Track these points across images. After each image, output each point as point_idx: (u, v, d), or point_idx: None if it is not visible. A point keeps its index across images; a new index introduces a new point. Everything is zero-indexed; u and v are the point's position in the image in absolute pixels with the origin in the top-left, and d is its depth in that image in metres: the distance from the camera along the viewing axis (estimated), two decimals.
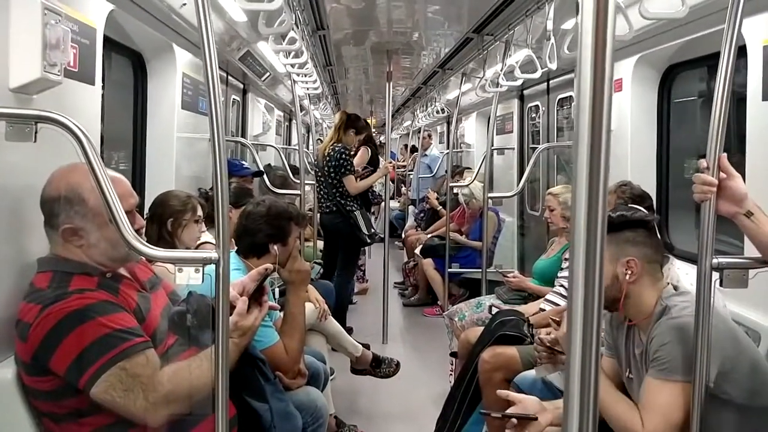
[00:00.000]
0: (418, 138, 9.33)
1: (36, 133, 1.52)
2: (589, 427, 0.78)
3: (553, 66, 2.78)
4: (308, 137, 7.73)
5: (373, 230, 5.00)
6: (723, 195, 1.56)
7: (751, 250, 1.75)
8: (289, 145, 8.22)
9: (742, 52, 2.22)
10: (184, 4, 2.82)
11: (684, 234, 3.42)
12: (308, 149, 6.18)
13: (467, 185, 5.65)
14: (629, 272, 1.79)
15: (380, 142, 10.65)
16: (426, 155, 8.60)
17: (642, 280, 1.82)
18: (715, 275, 1.58)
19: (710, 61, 3.10)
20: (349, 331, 5.04)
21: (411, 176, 9.53)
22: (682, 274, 2.25)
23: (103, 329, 1.56)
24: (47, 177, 1.69)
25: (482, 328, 3.19)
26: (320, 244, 5.28)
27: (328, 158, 4.93)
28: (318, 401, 2.41)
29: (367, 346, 3.65)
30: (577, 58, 0.78)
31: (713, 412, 1.64)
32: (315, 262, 4.14)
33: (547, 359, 2.22)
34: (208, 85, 1.44)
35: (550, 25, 2.72)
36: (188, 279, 1.52)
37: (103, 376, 1.54)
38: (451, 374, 3.80)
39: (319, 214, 5.02)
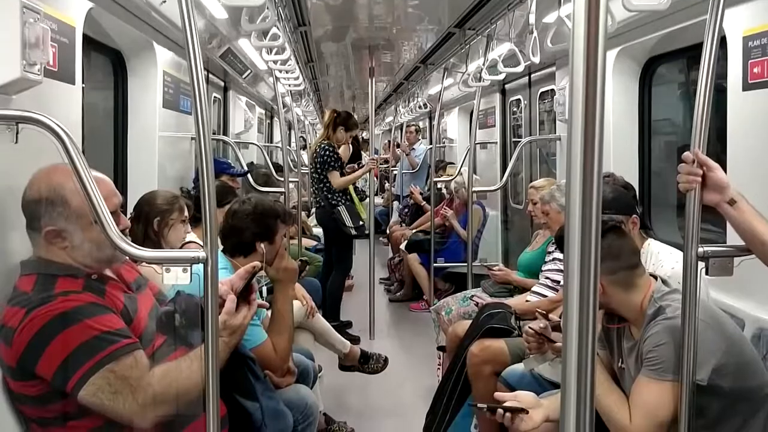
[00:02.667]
0: (401, 133, 9.31)
1: (17, 133, 1.50)
2: (585, 420, 0.78)
3: (537, 60, 2.79)
4: (290, 134, 7.69)
5: (361, 223, 5.02)
6: (706, 185, 1.59)
7: (733, 239, 1.77)
8: (271, 142, 8.17)
9: (722, 43, 2.24)
10: (164, 2, 2.78)
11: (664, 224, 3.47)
12: (290, 146, 6.17)
13: (451, 180, 5.68)
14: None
15: (362, 138, 10.61)
16: (414, 149, 8.51)
17: (616, 294, 1.83)
18: (701, 264, 1.60)
19: (689, 53, 3.13)
20: (348, 324, 5.10)
21: (394, 172, 9.51)
22: (665, 252, 2.28)
23: (90, 332, 1.54)
24: (28, 178, 1.66)
25: (470, 321, 3.20)
26: (306, 241, 5.29)
27: (315, 155, 5.14)
28: (308, 399, 2.41)
29: (357, 339, 3.65)
30: (569, 48, 0.78)
31: (704, 405, 1.66)
32: (301, 259, 4.14)
33: (537, 348, 2.22)
34: (192, 84, 1.42)
35: (532, 19, 2.73)
36: (176, 279, 1.50)
37: (91, 379, 1.52)
38: (438, 368, 3.81)
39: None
